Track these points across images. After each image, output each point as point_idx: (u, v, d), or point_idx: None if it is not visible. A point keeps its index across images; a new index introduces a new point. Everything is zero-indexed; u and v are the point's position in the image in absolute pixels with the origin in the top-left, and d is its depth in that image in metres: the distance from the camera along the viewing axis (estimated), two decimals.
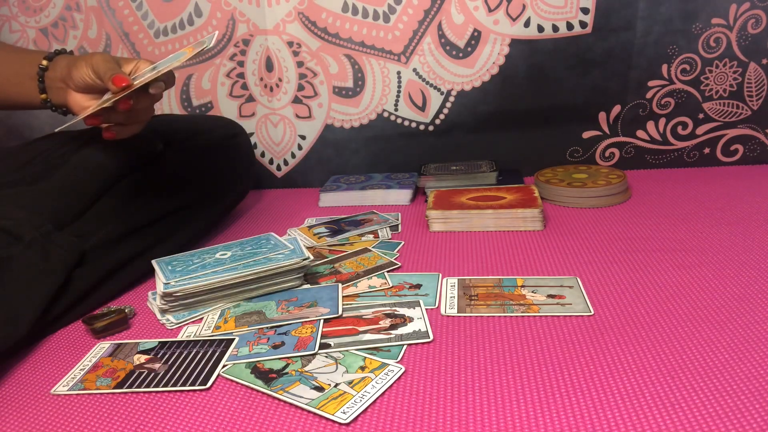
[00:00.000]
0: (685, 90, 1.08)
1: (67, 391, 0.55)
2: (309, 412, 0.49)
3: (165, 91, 0.70)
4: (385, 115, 1.14)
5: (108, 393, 0.55)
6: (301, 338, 0.60)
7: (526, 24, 1.06)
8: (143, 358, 0.60)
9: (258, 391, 0.53)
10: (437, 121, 1.14)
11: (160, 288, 0.67)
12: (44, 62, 0.76)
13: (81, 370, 0.59)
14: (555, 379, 0.51)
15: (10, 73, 0.79)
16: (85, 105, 0.72)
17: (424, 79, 1.11)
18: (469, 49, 1.08)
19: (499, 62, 1.08)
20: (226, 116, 1.14)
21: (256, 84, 1.15)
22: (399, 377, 0.53)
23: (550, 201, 0.99)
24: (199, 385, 0.54)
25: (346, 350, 0.58)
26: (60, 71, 0.74)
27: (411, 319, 0.63)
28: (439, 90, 1.11)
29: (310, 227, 0.94)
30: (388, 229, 0.92)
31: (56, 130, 0.80)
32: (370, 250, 0.83)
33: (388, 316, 0.64)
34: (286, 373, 0.55)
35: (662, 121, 1.10)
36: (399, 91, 1.12)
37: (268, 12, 1.10)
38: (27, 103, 0.79)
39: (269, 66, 1.13)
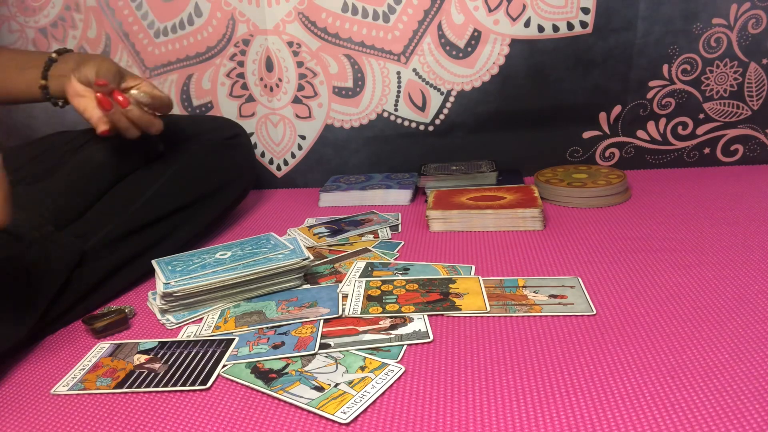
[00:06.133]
0: (686, 90, 1.08)
1: (67, 391, 0.55)
2: (309, 412, 0.49)
3: (162, 114, 0.79)
4: (385, 115, 1.14)
5: (108, 393, 0.55)
6: (301, 338, 0.60)
7: (527, 24, 1.06)
8: (143, 358, 0.60)
9: (258, 391, 0.53)
10: (437, 121, 1.14)
11: (160, 288, 0.67)
12: (54, 54, 0.81)
13: (81, 370, 0.59)
14: (555, 379, 0.51)
15: (19, 62, 0.83)
16: (81, 93, 0.75)
17: (424, 79, 1.11)
18: (469, 49, 1.08)
19: (499, 62, 1.08)
20: (226, 116, 1.14)
21: (256, 84, 1.15)
22: (399, 377, 0.53)
23: (550, 201, 0.99)
24: (199, 385, 0.54)
25: (346, 350, 0.58)
26: (70, 63, 0.79)
27: (411, 319, 0.63)
28: (439, 90, 1.11)
29: (310, 227, 0.94)
30: (388, 229, 0.92)
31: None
32: (370, 250, 0.83)
33: (388, 316, 0.64)
34: (286, 373, 0.55)
35: (662, 121, 1.10)
36: (399, 91, 1.12)
37: (268, 12, 1.10)
38: (25, 90, 0.82)
39: (269, 66, 1.13)
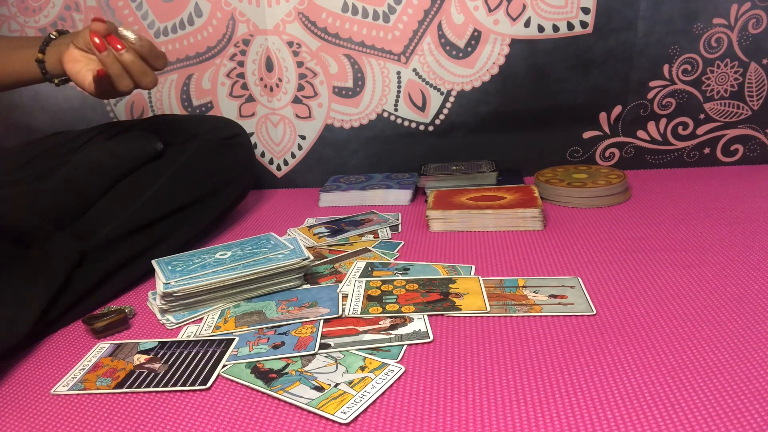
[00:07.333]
0: (687, 90, 1.08)
1: (67, 391, 0.55)
2: (309, 412, 0.49)
3: (157, 68, 0.75)
4: (385, 115, 1.14)
5: (108, 393, 0.55)
6: (301, 338, 0.60)
7: (527, 24, 1.06)
8: (143, 358, 0.60)
9: (258, 391, 0.53)
10: (437, 121, 1.14)
11: (160, 288, 0.67)
12: (54, 33, 0.80)
13: (81, 370, 0.59)
14: (555, 379, 0.51)
15: (17, 43, 0.82)
16: (77, 58, 0.74)
17: (424, 79, 1.11)
18: (469, 49, 1.08)
19: (499, 62, 1.08)
20: (226, 116, 1.14)
21: (256, 84, 1.15)
22: (399, 377, 0.53)
23: (550, 201, 0.99)
24: (199, 385, 0.54)
25: (346, 350, 0.58)
26: (69, 38, 0.77)
27: (411, 319, 0.63)
28: (439, 90, 1.11)
29: (310, 227, 0.94)
30: (388, 229, 0.92)
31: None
32: (370, 250, 0.83)
33: (388, 316, 0.64)
34: (286, 373, 0.55)
35: (663, 121, 1.10)
36: (399, 91, 1.12)
37: (268, 12, 1.10)
38: (21, 68, 0.81)
39: (269, 66, 1.13)
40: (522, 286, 0.69)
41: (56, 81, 0.80)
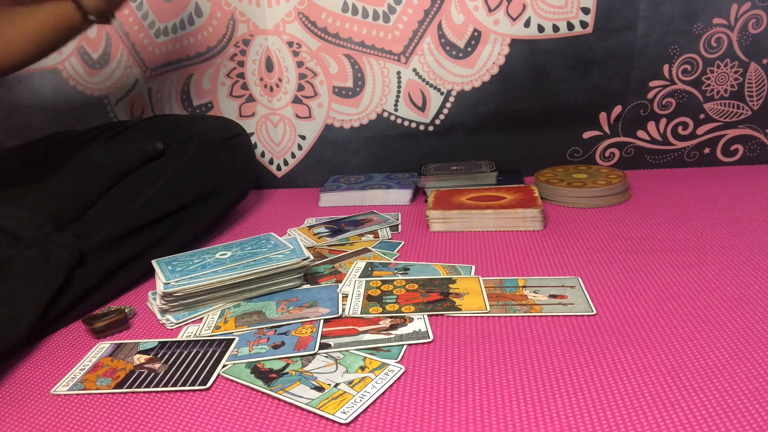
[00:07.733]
0: (687, 90, 1.08)
1: (67, 391, 0.55)
2: (309, 412, 0.49)
3: None
4: (385, 115, 1.14)
5: (108, 393, 0.55)
6: (301, 338, 0.60)
7: (527, 24, 1.06)
8: (143, 358, 0.60)
9: (258, 391, 0.53)
10: (437, 121, 1.14)
11: (160, 288, 0.67)
12: None
13: (81, 370, 0.59)
14: (555, 379, 0.51)
15: (35, 7, 0.76)
16: None
17: (424, 79, 1.11)
18: (469, 49, 1.08)
19: (499, 62, 1.08)
20: (226, 116, 1.14)
21: (256, 84, 1.15)
22: (399, 377, 0.53)
23: (550, 201, 0.99)
24: (199, 385, 0.54)
25: (346, 350, 0.58)
26: None
27: (411, 319, 0.63)
28: (439, 90, 1.11)
29: (310, 227, 0.94)
30: (388, 229, 0.92)
31: None
32: (370, 250, 0.83)
33: (388, 316, 0.64)
34: (286, 373, 0.55)
35: (663, 121, 1.10)
36: (399, 91, 1.12)
37: (268, 12, 1.10)
38: (50, 19, 0.74)
39: (269, 66, 1.13)
40: (522, 286, 0.69)
41: (93, 17, 0.75)
